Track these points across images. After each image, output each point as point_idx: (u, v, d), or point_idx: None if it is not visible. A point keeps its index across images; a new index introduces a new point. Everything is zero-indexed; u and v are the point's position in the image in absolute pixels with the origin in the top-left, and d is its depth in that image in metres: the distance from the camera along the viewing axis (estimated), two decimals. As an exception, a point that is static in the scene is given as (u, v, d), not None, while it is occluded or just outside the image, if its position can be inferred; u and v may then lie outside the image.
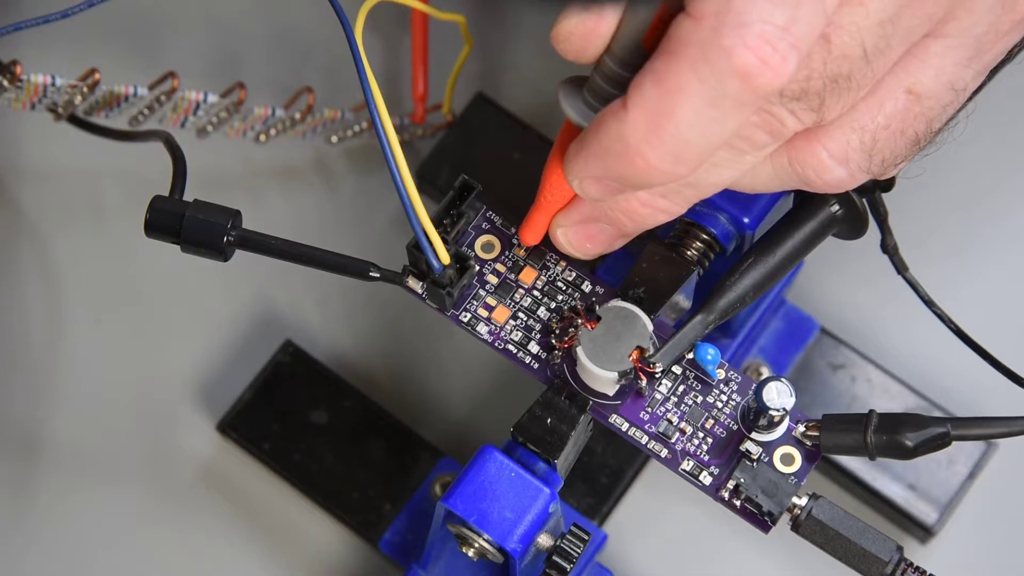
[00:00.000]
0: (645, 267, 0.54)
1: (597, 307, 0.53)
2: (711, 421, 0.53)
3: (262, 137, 0.66)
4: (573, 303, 0.54)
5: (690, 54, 0.45)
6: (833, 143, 0.49)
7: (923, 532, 0.63)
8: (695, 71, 0.45)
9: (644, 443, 0.53)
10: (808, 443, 0.53)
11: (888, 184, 0.55)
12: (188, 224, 0.51)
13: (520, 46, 0.70)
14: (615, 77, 0.48)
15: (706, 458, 0.53)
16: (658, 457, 0.53)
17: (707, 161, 0.48)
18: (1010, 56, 0.54)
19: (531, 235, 0.54)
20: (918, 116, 0.50)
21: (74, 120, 0.64)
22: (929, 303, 0.57)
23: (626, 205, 0.51)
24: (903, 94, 0.49)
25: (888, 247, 0.57)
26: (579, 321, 0.52)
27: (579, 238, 0.52)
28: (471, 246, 0.54)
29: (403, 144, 0.68)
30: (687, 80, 0.45)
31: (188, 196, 0.52)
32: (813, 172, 0.50)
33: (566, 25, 0.48)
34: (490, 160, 0.67)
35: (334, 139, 0.68)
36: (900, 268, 0.57)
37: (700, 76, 0.45)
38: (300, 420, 0.64)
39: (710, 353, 0.53)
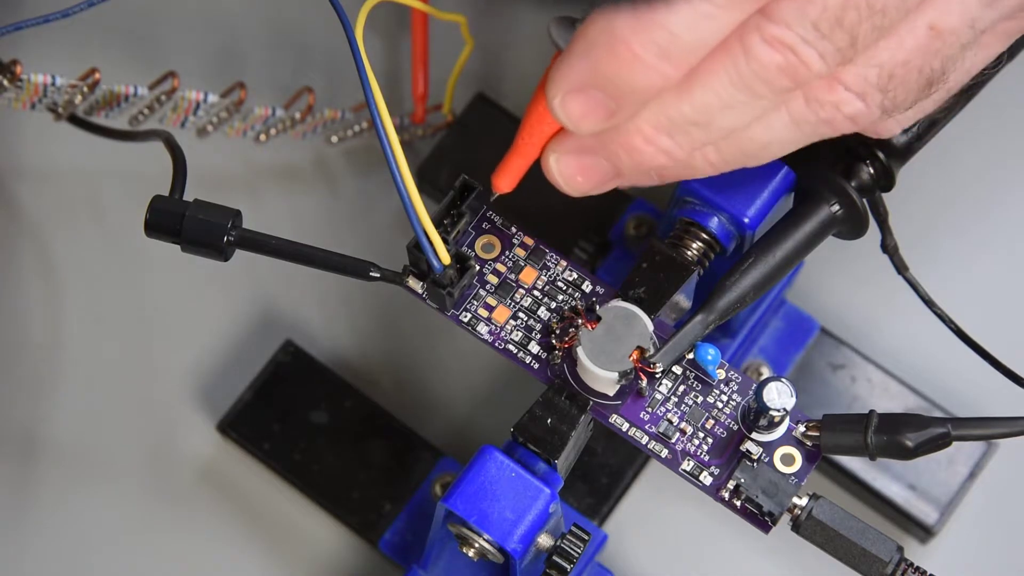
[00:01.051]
0: (645, 267, 0.54)
1: (597, 307, 0.53)
2: (711, 421, 0.53)
3: (262, 137, 0.66)
4: (573, 303, 0.54)
5: None
6: (850, 77, 0.48)
7: (923, 532, 0.63)
8: None
9: (644, 443, 0.53)
10: (808, 443, 0.53)
11: (888, 184, 0.55)
12: (188, 224, 0.51)
13: (520, 46, 0.70)
14: None
15: (706, 458, 0.53)
16: (658, 457, 0.53)
17: (720, 104, 0.47)
18: (1011, 54, 0.54)
19: (504, 180, 0.52)
20: (936, 53, 0.49)
21: (74, 120, 0.64)
22: (929, 303, 0.57)
23: (627, 140, 0.49)
24: (925, 30, 0.48)
25: (888, 247, 0.57)
26: (579, 321, 0.52)
27: (571, 169, 0.50)
28: (471, 246, 0.54)
29: (403, 144, 0.68)
30: None
31: (188, 196, 0.52)
32: (833, 107, 0.48)
33: None
34: (490, 160, 0.66)
35: (334, 139, 0.68)
36: (900, 268, 0.57)
37: None
38: (300, 420, 0.64)
39: (710, 353, 0.53)
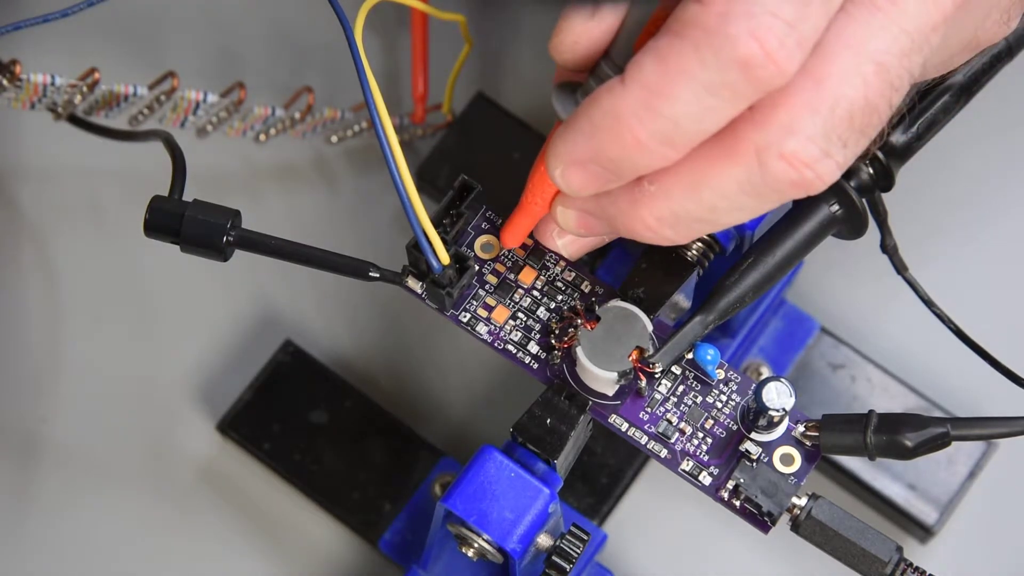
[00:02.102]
0: (645, 267, 0.54)
1: (597, 307, 0.52)
2: (711, 421, 0.53)
3: (262, 137, 0.66)
4: (573, 303, 0.54)
5: (695, 37, 0.45)
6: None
7: (923, 532, 0.63)
8: (698, 54, 0.45)
9: (644, 443, 0.53)
10: (808, 443, 0.53)
11: (888, 184, 0.54)
12: (187, 224, 0.51)
13: (520, 46, 0.70)
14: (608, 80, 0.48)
15: (706, 458, 0.53)
16: (657, 457, 0.53)
17: (728, 207, 0.48)
18: (1011, 54, 0.54)
19: (512, 238, 0.53)
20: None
21: (74, 120, 0.64)
22: (929, 303, 0.57)
23: (630, 223, 0.50)
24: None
25: (888, 247, 0.57)
26: (579, 321, 0.52)
27: (576, 223, 0.52)
28: (471, 246, 0.54)
29: (403, 144, 0.68)
30: (689, 62, 0.45)
31: (188, 196, 0.52)
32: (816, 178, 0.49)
33: (570, 35, 0.48)
34: (490, 160, 0.67)
35: (334, 139, 0.68)
36: (900, 268, 0.57)
37: (702, 60, 0.45)
38: (300, 420, 0.64)
39: (709, 353, 0.53)
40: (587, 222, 0.52)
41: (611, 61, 0.49)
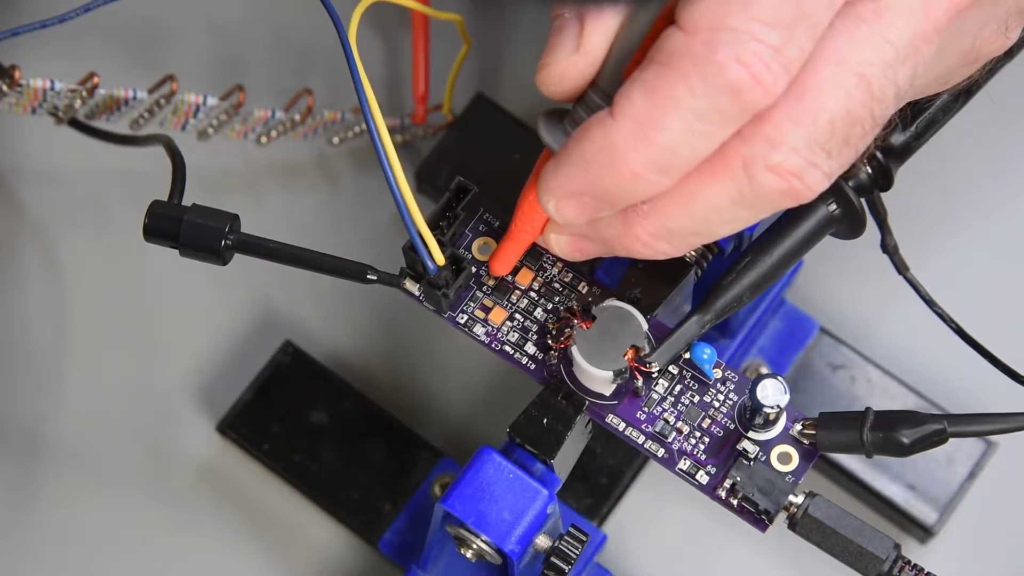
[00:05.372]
0: (642, 267, 0.54)
1: (592, 307, 0.53)
2: (708, 420, 0.53)
3: (263, 139, 0.67)
4: (569, 304, 0.54)
5: (682, 66, 0.46)
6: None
7: (923, 532, 0.63)
8: (687, 83, 0.46)
9: (641, 443, 0.53)
10: (805, 441, 0.53)
11: (886, 184, 0.54)
12: (186, 229, 0.52)
13: (520, 46, 0.70)
14: (598, 109, 0.48)
15: (703, 457, 0.53)
16: (655, 456, 0.53)
17: (722, 219, 0.49)
18: (1011, 54, 0.54)
19: (500, 266, 0.53)
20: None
21: (75, 124, 0.64)
22: (930, 303, 0.57)
23: (625, 242, 0.50)
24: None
25: (888, 247, 0.57)
26: (575, 321, 0.53)
27: (570, 248, 0.52)
28: (468, 248, 0.54)
29: (404, 144, 0.69)
30: (678, 91, 0.46)
31: (192, 198, 0.52)
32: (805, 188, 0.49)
33: (555, 69, 0.49)
34: (490, 160, 0.67)
35: (335, 140, 0.68)
36: (901, 268, 0.57)
37: (691, 88, 0.46)
38: (300, 420, 0.64)
39: (706, 352, 0.53)
40: (581, 245, 0.52)
41: (599, 90, 0.49)
